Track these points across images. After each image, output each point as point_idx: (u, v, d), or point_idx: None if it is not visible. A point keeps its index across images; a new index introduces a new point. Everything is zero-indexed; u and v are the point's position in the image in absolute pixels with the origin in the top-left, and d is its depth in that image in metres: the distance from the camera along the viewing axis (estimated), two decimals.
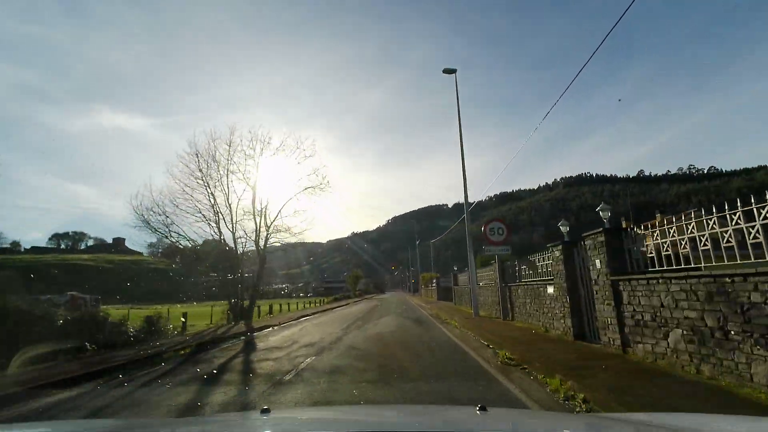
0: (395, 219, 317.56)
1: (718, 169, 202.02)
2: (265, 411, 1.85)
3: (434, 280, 42.85)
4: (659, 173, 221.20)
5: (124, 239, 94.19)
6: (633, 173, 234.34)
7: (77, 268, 73.84)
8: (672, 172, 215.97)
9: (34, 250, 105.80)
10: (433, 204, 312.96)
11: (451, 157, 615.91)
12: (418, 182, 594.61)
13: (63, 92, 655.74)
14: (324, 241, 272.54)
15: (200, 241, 20.89)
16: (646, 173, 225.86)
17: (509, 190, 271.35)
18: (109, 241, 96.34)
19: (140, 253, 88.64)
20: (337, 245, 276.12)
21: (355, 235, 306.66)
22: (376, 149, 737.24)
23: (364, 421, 1.82)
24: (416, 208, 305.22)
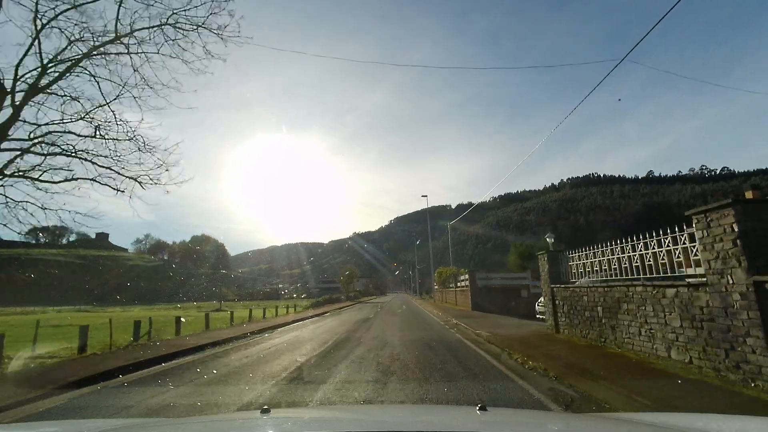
0: (398, 219, 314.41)
1: (731, 170, 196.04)
2: (265, 411, 1.79)
3: (464, 278, 28.06)
4: (668, 174, 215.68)
5: (107, 234, 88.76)
6: (641, 174, 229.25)
7: (40, 263, 67.69)
8: (683, 173, 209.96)
9: (5, 244, 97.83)
10: (436, 205, 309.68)
11: (452, 157, 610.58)
12: (419, 182, 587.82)
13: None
14: (326, 241, 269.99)
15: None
16: (656, 174, 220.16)
17: (513, 191, 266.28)
18: (94, 236, 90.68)
19: (125, 249, 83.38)
20: (338, 245, 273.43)
21: (356, 235, 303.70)
22: (378, 149, 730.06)
23: (364, 421, 1.81)
24: (419, 209, 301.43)
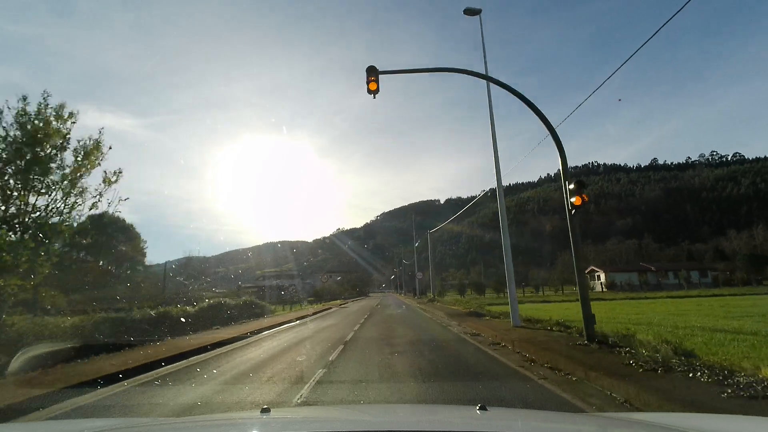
0: (384, 215, 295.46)
1: (742, 155, 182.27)
2: (265, 410, 1.79)
3: None
4: (674, 161, 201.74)
5: None
6: (643, 163, 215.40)
7: None
8: (693, 159, 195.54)
9: None
10: (424, 200, 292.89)
11: (438, 159, 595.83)
12: (407, 183, 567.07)
13: (50, 91, 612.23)
14: (309, 239, 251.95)
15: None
16: (660, 162, 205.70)
17: (504, 184, 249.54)
18: None
19: None
20: (321, 243, 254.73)
21: (340, 232, 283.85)
22: (365, 150, 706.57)
23: (364, 421, 1.78)
24: (406, 204, 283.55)
